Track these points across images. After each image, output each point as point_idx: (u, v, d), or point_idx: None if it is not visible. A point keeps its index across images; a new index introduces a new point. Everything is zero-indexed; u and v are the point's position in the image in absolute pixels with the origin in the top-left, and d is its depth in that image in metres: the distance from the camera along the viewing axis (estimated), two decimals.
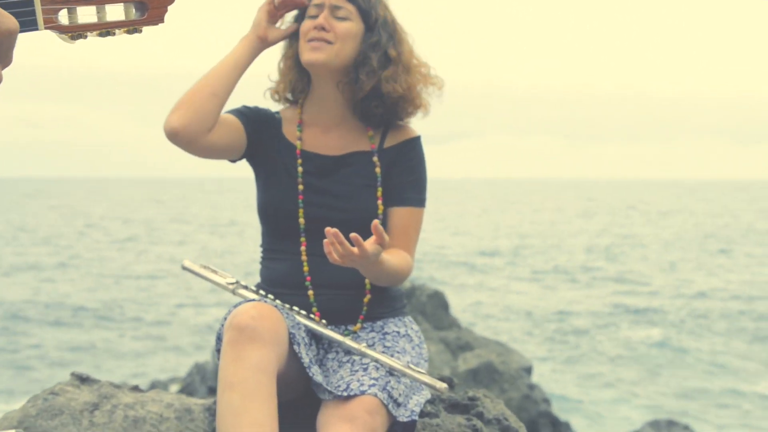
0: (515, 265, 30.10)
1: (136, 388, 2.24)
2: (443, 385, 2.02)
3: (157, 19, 1.20)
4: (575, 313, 20.26)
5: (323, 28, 2.17)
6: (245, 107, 2.27)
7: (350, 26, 2.19)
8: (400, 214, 2.20)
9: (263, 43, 2.23)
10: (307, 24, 2.21)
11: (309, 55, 2.18)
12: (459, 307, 19.19)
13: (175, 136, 2.09)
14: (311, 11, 2.21)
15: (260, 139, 2.25)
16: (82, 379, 2.20)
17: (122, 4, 1.16)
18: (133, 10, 1.17)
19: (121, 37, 1.20)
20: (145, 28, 1.22)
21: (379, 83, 2.20)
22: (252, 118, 2.25)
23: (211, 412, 2.19)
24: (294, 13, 2.29)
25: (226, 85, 2.16)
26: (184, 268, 2.16)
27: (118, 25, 1.16)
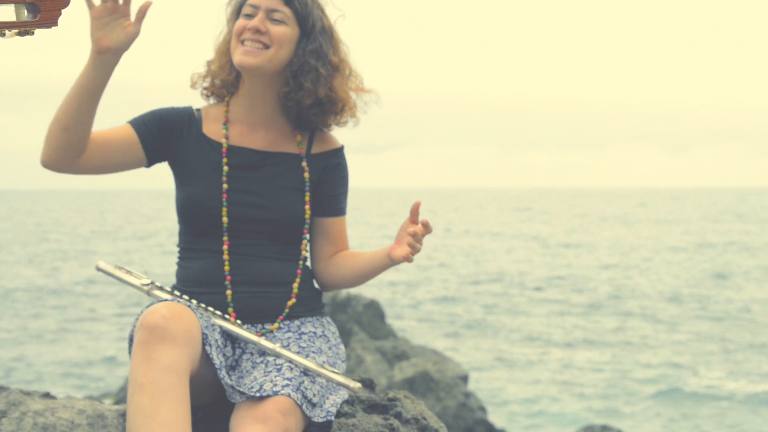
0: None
1: (47, 395, 2.21)
2: (357, 385, 2.04)
3: (50, 21, 1.20)
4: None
5: (258, 31, 2.15)
6: (151, 113, 2.22)
7: (286, 31, 2.17)
8: (337, 222, 2.29)
9: (104, 55, 1.98)
10: (241, 23, 2.18)
11: (241, 58, 2.16)
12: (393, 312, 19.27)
13: (46, 168, 2.11)
14: (246, 10, 2.18)
15: (171, 143, 2.22)
16: None
17: (13, 4, 1.16)
18: (25, 11, 1.18)
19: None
20: (39, 31, 1.23)
21: (322, 90, 2.19)
22: (155, 126, 2.20)
23: (126, 417, 2.18)
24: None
25: (75, 117, 2.03)
26: (99, 269, 2.14)
27: (9, 25, 1.16)
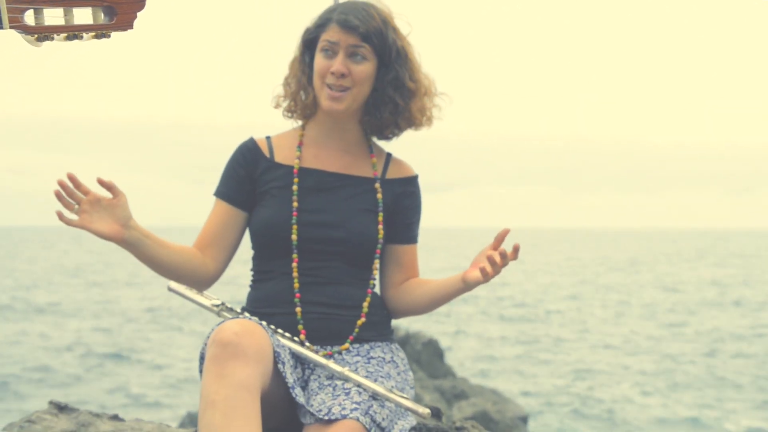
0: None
1: (115, 417, 2.20)
2: (426, 410, 2.00)
3: (126, 24, 1.20)
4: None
5: (343, 75, 2.15)
6: (225, 174, 2.26)
7: (367, 68, 2.18)
8: (410, 250, 2.31)
9: (124, 235, 2.07)
10: (323, 64, 2.17)
11: (329, 104, 2.17)
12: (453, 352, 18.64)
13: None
14: (324, 45, 2.18)
15: (251, 186, 2.24)
16: (60, 408, 2.17)
17: (90, 7, 1.16)
18: (102, 14, 1.18)
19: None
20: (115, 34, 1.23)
21: (401, 119, 2.24)
22: (236, 184, 2.24)
23: None
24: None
25: (170, 270, 2.15)
26: (170, 290, 2.15)
27: (86, 28, 1.16)
